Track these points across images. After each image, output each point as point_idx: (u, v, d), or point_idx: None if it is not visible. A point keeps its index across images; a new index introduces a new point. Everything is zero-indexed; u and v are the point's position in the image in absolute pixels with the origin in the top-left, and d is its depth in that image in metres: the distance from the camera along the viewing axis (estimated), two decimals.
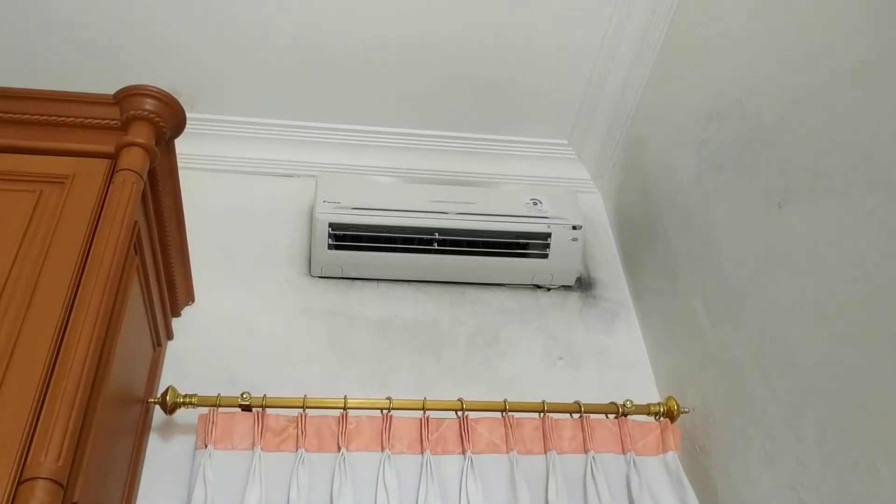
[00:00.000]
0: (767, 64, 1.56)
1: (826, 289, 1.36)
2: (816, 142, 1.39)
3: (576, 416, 1.67)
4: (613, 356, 1.98)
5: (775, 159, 1.51)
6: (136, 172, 1.31)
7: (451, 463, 1.56)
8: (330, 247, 1.93)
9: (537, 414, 1.65)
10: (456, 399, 1.63)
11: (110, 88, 1.39)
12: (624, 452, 1.64)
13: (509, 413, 1.63)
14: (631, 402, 1.70)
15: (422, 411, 1.60)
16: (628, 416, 1.69)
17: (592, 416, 1.67)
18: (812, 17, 1.43)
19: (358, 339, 1.89)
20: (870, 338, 1.25)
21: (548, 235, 2.01)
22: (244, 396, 1.55)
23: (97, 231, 1.23)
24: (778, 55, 1.52)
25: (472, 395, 1.67)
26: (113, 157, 1.34)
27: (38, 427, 1.00)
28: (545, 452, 1.60)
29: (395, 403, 1.59)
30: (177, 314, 1.80)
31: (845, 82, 1.33)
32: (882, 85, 1.24)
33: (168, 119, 1.40)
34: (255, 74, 2.08)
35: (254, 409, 1.55)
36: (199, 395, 1.56)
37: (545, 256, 2.02)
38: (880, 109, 1.24)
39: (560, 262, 2.04)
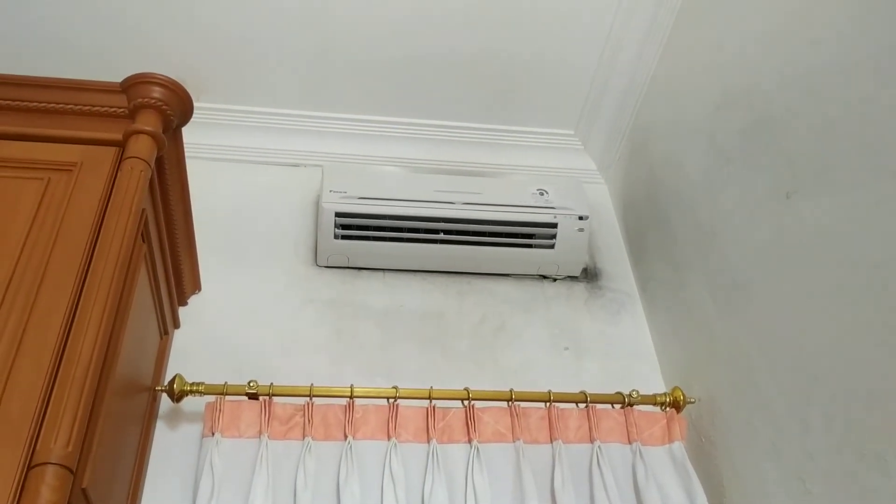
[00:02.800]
0: (776, 53, 1.55)
1: (833, 279, 1.35)
2: (825, 131, 1.39)
3: (582, 405, 1.67)
4: (619, 346, 1.98)
5: (784, 149, 1.50)
6: (143, 160, 1.31)
7: (457, 452, 1.56)
8: (336, 236, 1.93)
9: (543, 404, 1.65)
10: (462, 388, 1.63)
11: (118, 77, 1.39)
12: (630, 442, 1.64)
13: (515, 403, 1.63)
14: (637, 392, 1.70)
15: (428, 400, 1.60)
16: (634, 407, 1.69)
17: (598, 406, 1.67)
18: (820, 6, 1.42)
19: (364, 329, 1.89)
20: (877, 328, 1.25)
21: (554, 226, 2.00)
22: (251, 385, 1.55)
23: (105, 219, 1.24)
24: (786, 45, 1.52)
25: (478, 384, 1.67)
26: (121, 144, 1.34)
27: (48, 413, 1.01)
28: (551, 442, 1.61)
29: (402, 392, 1.59)
30: (183, 303, 1.80)
31: (854, 72, 1.32)
32: (892, 75, 1.23)
33: (175, 107, 1.40)
34: (262, 64, 2.08)
35: (260, 398, 1.55)
36: (206, 383, 1.57)
37: (551, 247, 2.02)
38: (890, 99, 1.24)
39: (566, 253, 2.04)
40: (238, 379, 1.58)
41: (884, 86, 1.25)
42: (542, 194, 2.04)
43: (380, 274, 2.02)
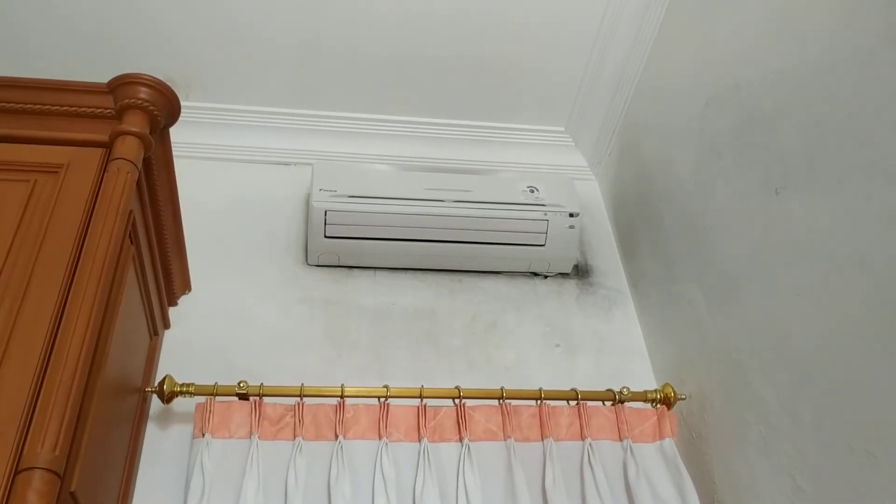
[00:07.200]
0: (765, 49, 1.55)
1: (823, 275, 1.36)
2: (814, 128, 1.39)
3: (573, 403, 1.67)
4: (611, 343, 1.98)
5: (773, 146, 1.51)
6: (130, 161, 1.30)
7: (448, 450, 1.56)
8: (326, 235, 1.92)
9: (534, 401, 1.65)
10: (453, 387, 1.63)
11: (104, 77, 1.38)
12: (621, 439, 1.64)
13: (506, 401, 1.63)
14: (628, 389, 1.70)
15: (419, 399, 1.60)
16: (625, 403, 1.69)
17: (589, 403, 1.67)
18: (809, 3, 1.42)
19: (355, 328, 1.89)
20: (866, 325, 1.25)
21: (545, 223, 2.00)
22: (241, 385, 1.55)
23: (92, 221, 1.23)
24: (776, 41, 1.52)
25: (470, 382, 1.67)
26: (107, 146, 1.33)
27: (35, 417, 1.00)
28: (542, 440, 1.61)
29: (393, 391, 1.59)
30: (173, 303, 1.80)
31: (844, 68, 1.32)
32: (881, 71, 1.24)
33: (162, 107, 1.39)
34: (250, 62, 2.07)
35: (251, 398, 1.55)
36: (197, 383, 1.56)
37: (542, 244, 2.02)
38: (879, 96, 1.24)
39: (557, 250, 2.04)
40: (229, 379, 1.57)
41: (872, 82, 1.26)
42: (532, 191, 2.04)
43: (370, 272, 2.02)
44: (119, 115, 1.35)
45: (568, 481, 1.56)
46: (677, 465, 1.61)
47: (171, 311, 1.78)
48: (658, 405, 1.72)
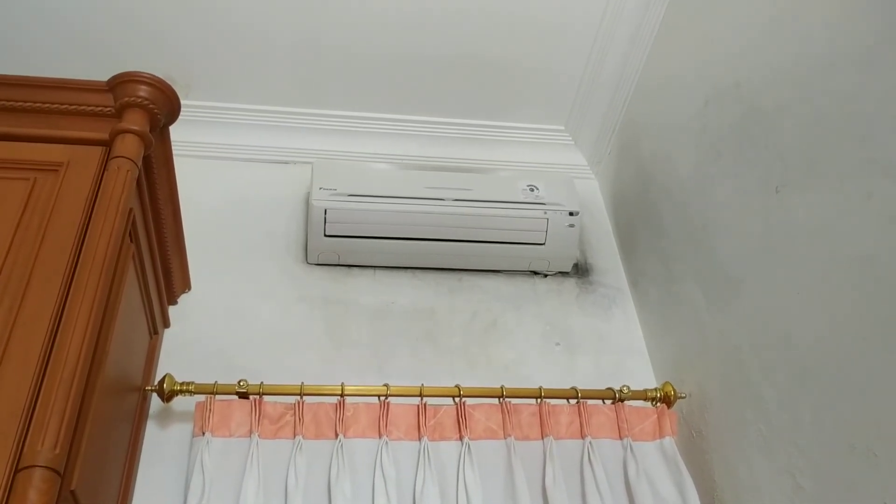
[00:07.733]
0: (765, 47, 1.55)
1: (823, 273, 1.36)
2: (815, 126, 1.39)
3: (573, 401, 1.67)
4: (610, 342, 1.98)
5: (773, 144, 1.51)
6: (130, 160, 1.30)
7: (448, 449, 1.56)
8: (326, 234, 1.92)
9: (534, 400, 1.65)
10: (453, 385, 1.63)
11: (104, 76, 1.38)
12: (621, 438, 1.64)
13: (506, 399, 1.63)
14: (628, 387, 1.70)
15: (419, 398, 1.60)
16: (625, 402, 1.69)
17: (589, 401, 1.67)
18: (810, 0, 1.42)
19: (355, 327, 1.89)
20: (866, 322, 1.25)
21: (545, 221, 2.00)
22: (241, 384, 1.55)
23: (92, 219, 1.22)
24: (776, 39, 1.52)
25: (470, 381, 1.67)
26: (107, 144, 1.33)
27: (35, 415, 1.00)
28: (542, 438, 1.61)
29: (393, 390, 1.59)
30: (173, 302, 1.79)
31: (844, 66, 1.32)
32: (881, 69, 1.24)
33: (162, 106, 1.39)
34: (249, 61, 2.07)
35: (251, 397, 1.55)
36: (197, 382, 1.56)
37: (542, 242, 2.02)
38: (879, 93, 1.24)
39: (557, 249, 2.04)
40: (228, 378, 1.57)
41: (872, 79, 1.26)
42: (532, 190, 2.04)
43: (370, 271, 2.02)
44: (119, 113, 1.35)
45: (568, 480, 1.56)
46: (677, 464, 1.61)
47: (171, 310, 1.78)
48: (658, 404, 1.72)
